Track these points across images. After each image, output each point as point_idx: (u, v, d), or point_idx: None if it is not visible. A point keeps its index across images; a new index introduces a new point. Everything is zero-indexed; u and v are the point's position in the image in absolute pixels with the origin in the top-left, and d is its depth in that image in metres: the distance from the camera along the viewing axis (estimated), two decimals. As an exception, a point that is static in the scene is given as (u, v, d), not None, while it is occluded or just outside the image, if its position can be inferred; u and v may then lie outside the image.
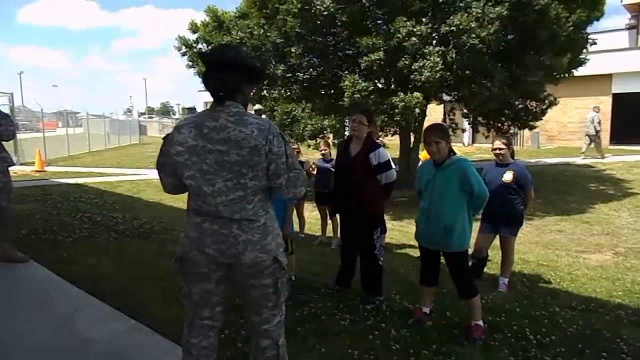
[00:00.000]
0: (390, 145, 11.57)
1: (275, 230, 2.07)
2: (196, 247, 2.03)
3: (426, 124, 11.49)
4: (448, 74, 7.79)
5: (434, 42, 8.02)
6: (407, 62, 8.02)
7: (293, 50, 9.13)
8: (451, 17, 7.82)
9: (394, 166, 4.69)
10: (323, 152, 6.34)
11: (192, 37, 12.19)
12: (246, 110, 2.03)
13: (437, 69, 7.63)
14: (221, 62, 2.00)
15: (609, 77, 20.01)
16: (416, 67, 7.91)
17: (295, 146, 6.47)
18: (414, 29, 7.89)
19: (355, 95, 8.22)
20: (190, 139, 1.94)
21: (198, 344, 2.10)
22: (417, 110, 8.36)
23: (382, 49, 8.12)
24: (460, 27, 7.64)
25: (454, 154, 3.30)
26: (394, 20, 8.13)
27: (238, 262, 1.98)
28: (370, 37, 8.18)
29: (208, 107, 2.04)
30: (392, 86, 9.55)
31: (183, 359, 2.15)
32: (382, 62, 8.15)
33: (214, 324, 2.14)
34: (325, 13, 8.25)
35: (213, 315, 2.12)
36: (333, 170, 5.46)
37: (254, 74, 2.12)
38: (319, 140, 9.95)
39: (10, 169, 4.62)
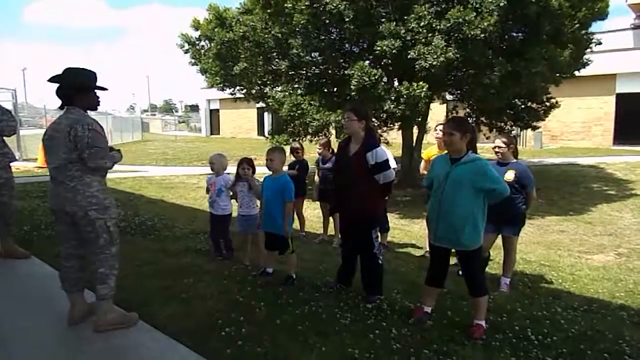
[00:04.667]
0: (393, 144, 11.56)
1: (85, 193, 2.96)
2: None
3: (430, 122, 11.59)
4: (451, 55, 7.72)
5: (437, 34, 7.98)
6: (415, 53, 7.99)
7: (295, 42, 9.10)
8: (450, 11, 7.80)
9: (395, 165, 4.68)
10: (319, 152, 6.28)
11: (195, 34, 12.18)
12: (85, 108, 3.07)
13: (440, 52, 7.60)
14: (60, 82, 3.02)
15: (613, 77, 19.95)
16: (420, 53, 7.88)
17: (298, 146, 6.39)
18: (424, 15, 7.90)
19: (363, 79, 8.16)
20: (49, 130, 3.05)
21: (65, 264, 3.15)
22: (423, 101, 8.32)
23: (400, 38, 8.09)
24: (459, 19, 7.61)
25: (473, 151, 3.28)
26: (406, 12, 8.13)
27: (65, 211, 2.99)
28: (390, 24, 8.15)
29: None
30: (395, 79, 9.53)
31: (59, 275, 3.18)
32: (396, 51, 8.11)
33: (74, 252, 3.13)
34: (335, 11, 8.22)
35: (71, 246, 3.13)
36: (330, 170, 5.45)
37: (82, 89, 3.06)
38: (320, 136, 9.96)
39: (12, 164, 4.63)
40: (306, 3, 8.31)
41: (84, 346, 2.92)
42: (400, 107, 8.42)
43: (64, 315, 3.17)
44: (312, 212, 8.00)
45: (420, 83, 8.13)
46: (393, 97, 8.40)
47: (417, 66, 8.02)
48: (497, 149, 4.42)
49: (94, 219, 2.98)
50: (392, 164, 5.22)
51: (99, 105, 3.20)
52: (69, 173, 2.95)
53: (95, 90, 3.17)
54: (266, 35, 9.56)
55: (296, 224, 5.84)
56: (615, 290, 4.64)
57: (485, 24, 7.52)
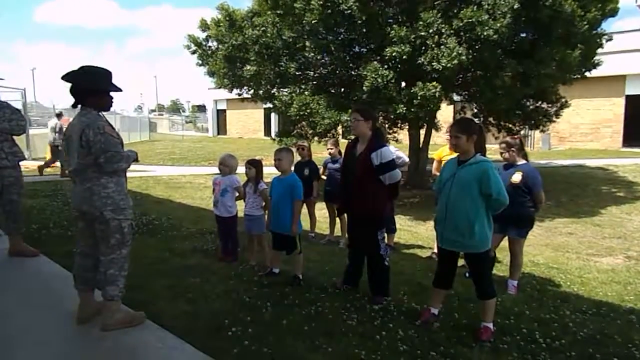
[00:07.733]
0: (402, 142, 11.52)
1: (101, 194, 2.98)
2: (72, 201, 3.17)
3: (439, 123, 11.55)
4: (464, 59, 7.70)
5: (449, 34, 7.95)
6: (427, 58, 7.96)
7: (308, 44, 9.09)
8: (463, 11, 7.77)
9: (407, 159, 4.69)
10: (330, 151, 6.30)
11: (202, 35, 12.20)
12: (98, 109, 3.04)
13: (454, 55, 7.57)
14: (71, 81, 2.99)
15: (622, 78, 19.77)
16: (433, 54, 7.86)
17: (306, 143, 6.40)
18: (432, 22, 7.88)
19: (377, 80, 8.14)
20: (67, 132, 3.10)
21: (79, 262, 3.20)
22: (435, 101, 8.30)
23: (410, 42, 8.08)
24: (472, 19, 7.58)
25: (482, 153, 3.27)
26: (416, 15, 8.11)
27: (82, 210, 3.04)
28: (400, 29, 8.14)
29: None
30: (403, 82, 9.52)
31: (73, 269, 3.26)
32: (406, 56, 8.11)
33: (90, 251, 3.15)
34: (349, 12, 8.22)
35: (88, 245, 3.16)
36: (338, 170, 5.46)
37: (96, 90, 3.04)
38: (328, 136, 9.93)
39: (21, 163, 4.66)
40: (319, 2, 8.29)
41: (92, 345, 2.94)
42: (412, 110, 8.39)
43: (72, 313, 3.18)
44: (318, 213, 8.00)
45: (434, 83, 8.11)
46: (405, 100, 8.38)
47: (428, 68, 7.99)
48: (500, 151, 4.46)
49: (109, 219, 3.00)
50: (405, 158, 5.53)
51: (111, 105, 3.18)
52: (86, 175, 2.98)
53: (110, 91, 3.12)
54: (275, 38, 9.57)
55: (307, 224, 5.81)
56: (625, 294, 4.60)
57: (497, 25, 7.49)
